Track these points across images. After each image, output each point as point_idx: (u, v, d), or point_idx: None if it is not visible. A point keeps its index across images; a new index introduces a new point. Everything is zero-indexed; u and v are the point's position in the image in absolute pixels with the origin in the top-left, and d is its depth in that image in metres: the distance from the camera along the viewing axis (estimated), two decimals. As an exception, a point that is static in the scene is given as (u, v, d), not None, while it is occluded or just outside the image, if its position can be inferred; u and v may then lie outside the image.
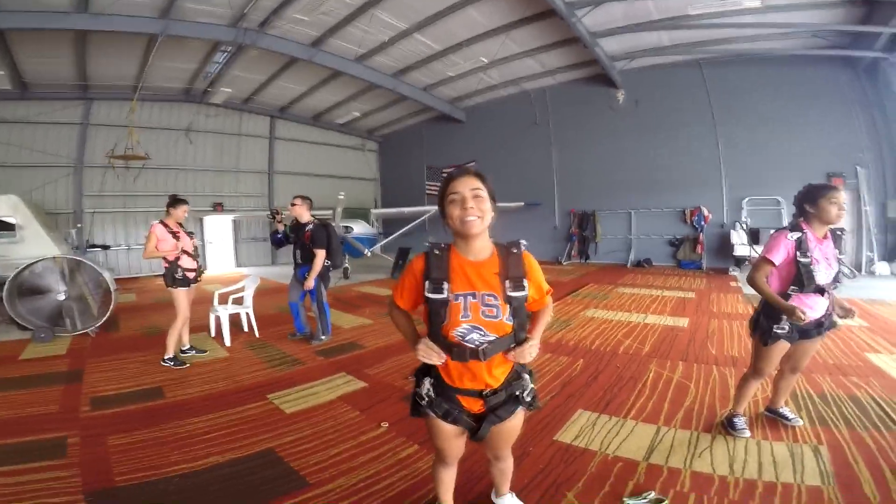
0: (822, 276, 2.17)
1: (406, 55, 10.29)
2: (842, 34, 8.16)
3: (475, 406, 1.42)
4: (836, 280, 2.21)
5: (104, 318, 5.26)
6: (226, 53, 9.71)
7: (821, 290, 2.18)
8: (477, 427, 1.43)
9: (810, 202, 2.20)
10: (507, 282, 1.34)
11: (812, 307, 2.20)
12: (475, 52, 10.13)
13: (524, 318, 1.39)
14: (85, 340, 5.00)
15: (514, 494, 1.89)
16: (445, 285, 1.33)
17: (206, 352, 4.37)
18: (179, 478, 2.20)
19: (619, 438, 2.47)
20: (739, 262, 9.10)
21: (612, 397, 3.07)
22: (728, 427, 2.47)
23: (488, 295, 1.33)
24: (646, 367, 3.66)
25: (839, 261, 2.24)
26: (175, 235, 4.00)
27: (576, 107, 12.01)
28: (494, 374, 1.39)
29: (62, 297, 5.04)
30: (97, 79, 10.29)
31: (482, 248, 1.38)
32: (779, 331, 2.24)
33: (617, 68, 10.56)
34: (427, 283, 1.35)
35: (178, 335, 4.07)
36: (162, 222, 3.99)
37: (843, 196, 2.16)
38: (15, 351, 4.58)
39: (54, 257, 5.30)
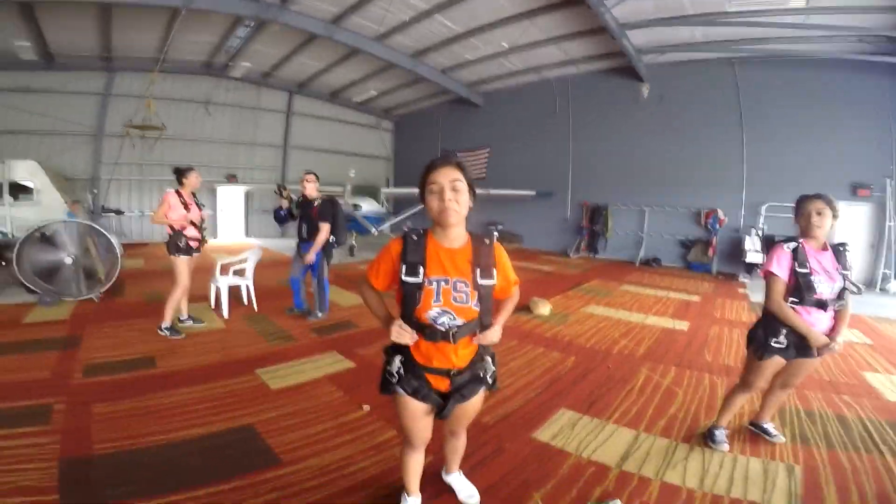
0: (824, 288, 2.08)
1: (426, 36, 10.04)
2: (890, 40, 7.62)
3: (442, 385, 1.50)
4: (840, 297, 2.12)
5: (109, 284, 5.37)
6: (248, 28, 9.66)
7: (822, 305, 2.09)
8: (443, 405, 1.51)
9: (794, 215, 2.24)
10: (477, 270, 1.42)
11: (813, 324, 2.11)
12: (497, 37, 9.81)
13: (490, 304, 1.47)
14: (89, 305, 5.07)
15: (461, 473, 1.98)
16: (421, 270, 1.39)
17: (203, 322, 4.45)
18: (156, 448, 2.24)
19: (596, 442, 2.45)
20: (750, 268, 8.85)
21: (597, 398, 3.04)
22: (708, 439, 2.43)
23: (460, 281, 1.41)
24: (638, 369, 3.61)
25: (844, 276, 2.14)
26: (186, 206, 4.06)
27: (597, 98, 11.64)
28: (461, 355, 1.47)
29: (69, 261, 5.13)
30: (120, 50, 10.32)
31: (458, 236, 1.45)
32: (776, 345, 2.17)
33: (644, 62, 10.13)
34: (403, 266, 1.41)
35: (177, 304, 4.14)
36: (177, 191, 4.06)
37: (817, 206, 2.09)
38: (19, 314, 4.56)
39: (65, 221, 5.41)
